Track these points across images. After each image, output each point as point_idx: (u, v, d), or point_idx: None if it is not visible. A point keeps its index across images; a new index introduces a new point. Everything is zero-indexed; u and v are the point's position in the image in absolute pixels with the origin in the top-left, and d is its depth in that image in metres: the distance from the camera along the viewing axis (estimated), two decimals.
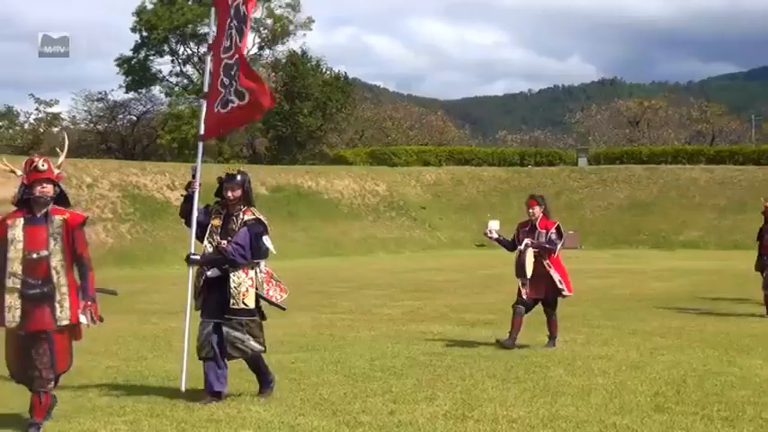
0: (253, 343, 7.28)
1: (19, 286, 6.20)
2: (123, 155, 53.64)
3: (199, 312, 7.41)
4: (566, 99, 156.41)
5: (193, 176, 7.61)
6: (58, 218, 6.38)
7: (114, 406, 7.09)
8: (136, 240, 31.64)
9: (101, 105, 57.62)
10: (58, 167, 6.53)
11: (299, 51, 55.58)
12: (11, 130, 56.90)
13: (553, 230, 10.30)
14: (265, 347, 7.42)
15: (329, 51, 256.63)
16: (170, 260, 27.24)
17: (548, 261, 10.23)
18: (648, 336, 11.37)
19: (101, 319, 6.55)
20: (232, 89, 7.57)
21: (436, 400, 7.30)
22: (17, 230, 6.30)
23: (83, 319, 6.38)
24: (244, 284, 7.25)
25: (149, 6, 54.84)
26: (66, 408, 6.89)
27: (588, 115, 72.50)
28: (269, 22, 56.91)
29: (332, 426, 6.42)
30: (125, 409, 6.98)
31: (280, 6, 57.30)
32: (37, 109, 55.71)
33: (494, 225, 10.67)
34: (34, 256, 6.27)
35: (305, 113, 52.84)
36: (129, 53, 56.30)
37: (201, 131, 8.10)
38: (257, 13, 52.56)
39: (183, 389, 7.48)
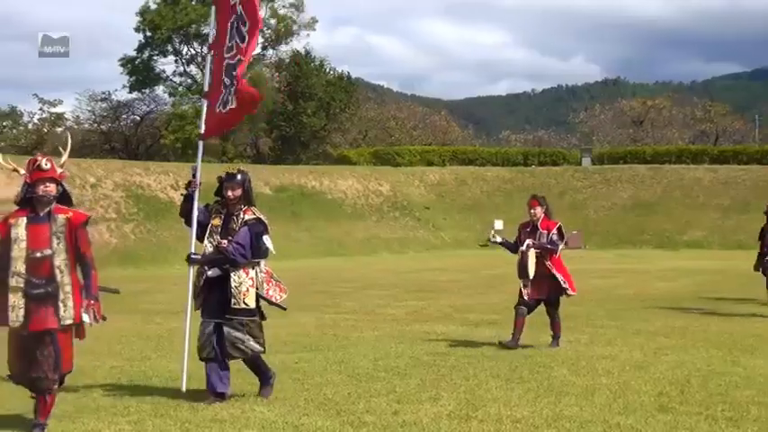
0: (253, 343, 7.27)
1: (22, 285, 6.19)
2: (127, 155, 53.66)
3: (199, 312, 7.40)
4: (569, 99, 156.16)
5: (194, 176, 7.60)
6: (61, 217, 6.38)
7: (118, 406, 7.09)
8: (139, 240, 31.66)
9: (104, 105, 57.60)
10: (61, 166, 6.53)
11: (302, 51, 55.79)
12: (15, 130, 56.90)
13: (554, 231, 10.32)
14: (264, 348, 7.41)
15: (333, 51, 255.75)
16: (173, 260, 27.20)
17: (549, 262, 10.25)
18: (652, 336, 11.36)
19: (104, 318, 6.54)
20: (232, 89, 7.57)
21: (440, 400, 7.29)
22: (20, 229, 6.29)
23: (86, 318, 6.37)
24: (244, 284, 7.24)
25: (153, 6, 54.86)
26: (70, 408, 6.90)
27: (592, 115, 72.44)
28: (273, 22, 56.88)
29: (336, 426, 6.42)
30: (129, 409, 6.98)
31: (283, 6, 57.33)
32: (41, 109, 55.84)
33: (498, 225, 10.68)
34: (38, 254, 6.26)
35: (308, 113, 52.92)
36: (133, 53, 56.33)
37: (202, 131, 8.11)
38: (261, 13, 52.50)
39: (184, 389, 7.48)
